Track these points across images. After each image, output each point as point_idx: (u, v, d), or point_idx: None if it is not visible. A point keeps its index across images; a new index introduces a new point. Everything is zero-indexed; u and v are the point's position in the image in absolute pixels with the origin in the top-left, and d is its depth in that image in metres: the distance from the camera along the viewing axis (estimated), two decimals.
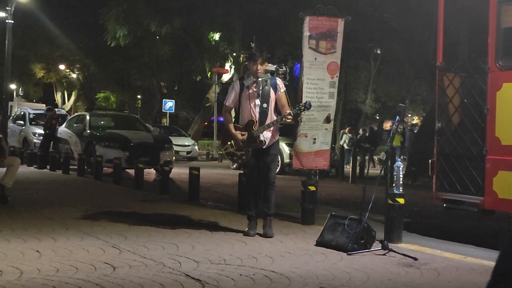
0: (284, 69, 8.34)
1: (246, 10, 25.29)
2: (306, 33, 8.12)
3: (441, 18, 7.95)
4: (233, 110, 7.32)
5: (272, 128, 7.03)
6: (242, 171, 8.02)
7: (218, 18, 26.90)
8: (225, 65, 32.11)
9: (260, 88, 7.00)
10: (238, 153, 7.10)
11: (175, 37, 30.19)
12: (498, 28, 7.20)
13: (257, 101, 7.00)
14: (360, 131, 26.36)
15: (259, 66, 6.96)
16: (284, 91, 7.13)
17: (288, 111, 6.94)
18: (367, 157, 22.19)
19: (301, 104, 7.22)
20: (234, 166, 19.26)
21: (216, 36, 31.43)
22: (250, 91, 7.02)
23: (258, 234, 7.04)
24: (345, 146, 23.01)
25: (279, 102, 7.06)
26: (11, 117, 25.39)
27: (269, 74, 7.16)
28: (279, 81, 7.16)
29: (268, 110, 7.00)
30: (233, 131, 7.06)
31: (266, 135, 7.01)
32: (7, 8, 24.84)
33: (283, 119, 6.92)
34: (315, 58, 8.21)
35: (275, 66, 8.23)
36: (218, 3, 25.60)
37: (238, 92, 7.09)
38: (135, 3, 26.27)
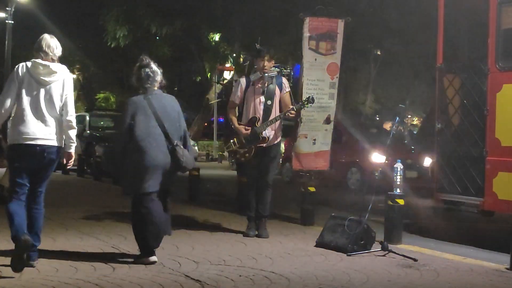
0: (288, 70, 8.33)
1: (246, 11, 25.26)
2: (306, 34, 8.12)
3: (441, 19, 7.95)
4: (236, 108, 7.30)
5: (275, 126, 7.01)
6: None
7: (218, 19, 26.88)
8: (225, 65, 32.07)
9: (266, 84, 6.99)
10: (241, 151, 7.08)
11: (175, 37, 30.16)
12: (498, 29, 7.20)
13: (262, 98, 6.99)
14: None
15: (266, 62, 6.96)
16: (289, 91, 7.15)
17: (291, 106, 6.96)
18: None
19: (304, 99, 7.24)
20: (234, 166, 19.25)
21: (216, 37, 31.41)
22: (255, 87, 7.03)
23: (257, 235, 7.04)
24: None
25: (283, 101, 7.07)
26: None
27: (276, 72, 7.14)
28: (285, 81, 7.18)
29: (272, 107, 6.99)
30: (237, 125, 7.05)
31: (269, 133, 7.01)
32: (7, 8, 24.84)
33: (286, 114, 6.94)
34: (315, 59, 8.21)
35: (277, 70, 8.23)
36: (218, 4, 25.60)
37: (244, 88, 7.09)
38: (135, 4, 26.26)
